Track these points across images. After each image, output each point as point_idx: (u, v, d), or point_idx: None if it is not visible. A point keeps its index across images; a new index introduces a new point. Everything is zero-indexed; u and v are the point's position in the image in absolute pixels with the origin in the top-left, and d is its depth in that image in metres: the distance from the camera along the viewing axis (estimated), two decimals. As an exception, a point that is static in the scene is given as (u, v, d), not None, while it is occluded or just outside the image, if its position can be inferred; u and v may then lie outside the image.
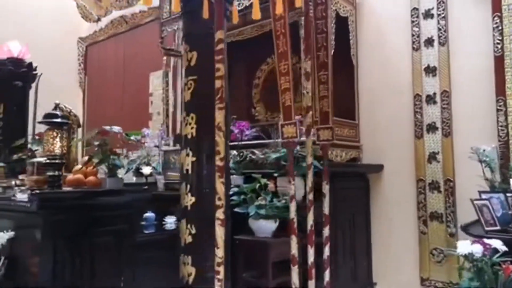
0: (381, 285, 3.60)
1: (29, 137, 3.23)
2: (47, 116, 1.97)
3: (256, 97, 4.63)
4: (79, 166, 2.31)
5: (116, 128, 2.31)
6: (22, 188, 2.15)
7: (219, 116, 1.26)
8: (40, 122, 1.96)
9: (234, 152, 3.26)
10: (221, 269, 1.24)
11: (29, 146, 2.85)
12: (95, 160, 2.24)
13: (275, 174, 2.83)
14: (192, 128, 1.80)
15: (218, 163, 1.27)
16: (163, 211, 2.85)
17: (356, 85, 3.80)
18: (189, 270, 1.74)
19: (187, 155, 1.81)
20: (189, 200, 1.78)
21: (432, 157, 3.39)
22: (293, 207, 1.69)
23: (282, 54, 1.70)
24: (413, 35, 3.53)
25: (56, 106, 2.01)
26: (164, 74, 4.51)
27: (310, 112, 1.82)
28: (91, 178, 2.28)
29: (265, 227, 2.56)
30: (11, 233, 1.93)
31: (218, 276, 1.23)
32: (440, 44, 3.40)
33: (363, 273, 3.53)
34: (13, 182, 2.24)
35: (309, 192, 1.76)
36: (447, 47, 3.36)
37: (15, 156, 2.77)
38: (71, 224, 1.93)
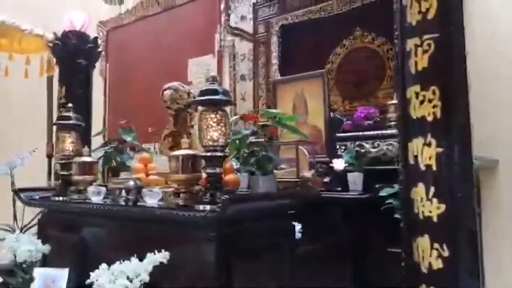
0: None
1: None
2: (205, 92, 1.42)
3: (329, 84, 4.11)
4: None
5: (272, 111, 1.77)
6: (154, 190, 1.60)
7: None
8: (196, 102, 1.41)
9: (347, 144, 2.76)
10: None
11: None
12: (242, 153, 1.70)
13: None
14: (434, 106, 1.28)
15: None
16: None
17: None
18: (442, 309, 1.23)
19: (427, 144, 1.29)
20: (434, 208, 1.27)
21: None
22: None
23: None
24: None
25: (214, 79, 1.45)
26: (232, 56, 3.96)
27: None
28: (231, 176, 1.74)
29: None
30: (165, 254, 1.37)
31: None
32: None
33: None
34: (131, 183, 1.68)
35: None
36: None
37: (101, 150, 2.20)
38: (242, 238, 1.40)
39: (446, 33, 1.31)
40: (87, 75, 2.83)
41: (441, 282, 1.26)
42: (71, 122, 2.09)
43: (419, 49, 1.33)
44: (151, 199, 1.60)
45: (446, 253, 1.25)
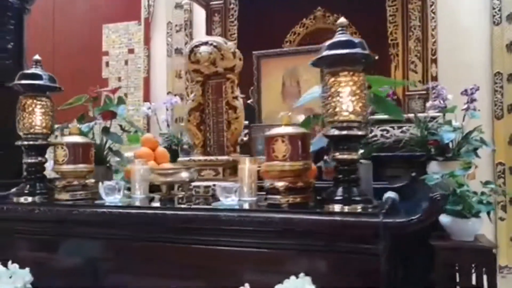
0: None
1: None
2: (336, 45, 0.98)
3: (286, 67, 3.80)
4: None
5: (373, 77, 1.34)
6: (231, 184, 1.08)
7: None
8: (326, 59, 0.95)
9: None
10: None
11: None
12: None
13: (439, 158, 2.21)
14: None
15: None
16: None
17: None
18: None
19: None
20: None
21: (514, 139, 3.22)
22: None
23: None
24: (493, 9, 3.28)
25: (342, 26, 1.01)
26: (188, 23, 3.32)
27: None
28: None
29: (470, 227, 1.95)
30: (306, 280, 0.89)
31: None
32: (526, 19, 3.22)
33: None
34: (184, 174, 1.11)
35: None
36: (534, 23, 3.20)
37: (83, 126, 1.51)
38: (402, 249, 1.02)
39: None
40: (20, 23, 1.98)
41: None
42: (42, 82, 1.35)
43: None
44: (227, 198, 1.09)
45: None
